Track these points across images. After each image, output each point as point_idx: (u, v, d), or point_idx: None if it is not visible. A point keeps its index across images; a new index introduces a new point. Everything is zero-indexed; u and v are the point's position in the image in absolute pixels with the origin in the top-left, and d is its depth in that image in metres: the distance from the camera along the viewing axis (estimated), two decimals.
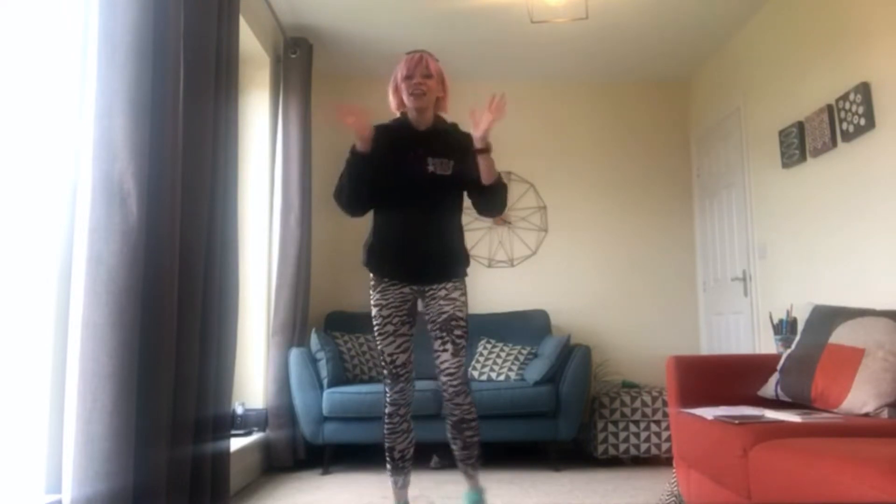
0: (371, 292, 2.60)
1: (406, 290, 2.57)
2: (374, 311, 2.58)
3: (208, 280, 2.44)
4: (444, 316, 2.53)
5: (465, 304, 2.58)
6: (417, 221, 2.55)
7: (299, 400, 3.92)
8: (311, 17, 4.26)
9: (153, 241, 1.99)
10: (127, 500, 1.82)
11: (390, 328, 2.55)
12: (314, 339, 4.07)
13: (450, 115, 2.67)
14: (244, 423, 3.77)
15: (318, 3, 4.10)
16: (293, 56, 4.31)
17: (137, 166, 1.91)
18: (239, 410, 3.77)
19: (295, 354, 3.98)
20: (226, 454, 2.66)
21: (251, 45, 3.94)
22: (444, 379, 2.53)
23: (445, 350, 2.52)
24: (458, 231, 2.67)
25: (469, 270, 2.68)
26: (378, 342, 2.58)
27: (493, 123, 2.41)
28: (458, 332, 2.53)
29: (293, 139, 4.24)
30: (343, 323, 4.56)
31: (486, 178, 2.49)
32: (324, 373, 3.95)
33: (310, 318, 4.38)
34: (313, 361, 3.99)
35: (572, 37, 4.47)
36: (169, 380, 2.09)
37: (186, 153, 2.25)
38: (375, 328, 2.57)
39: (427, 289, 2.58)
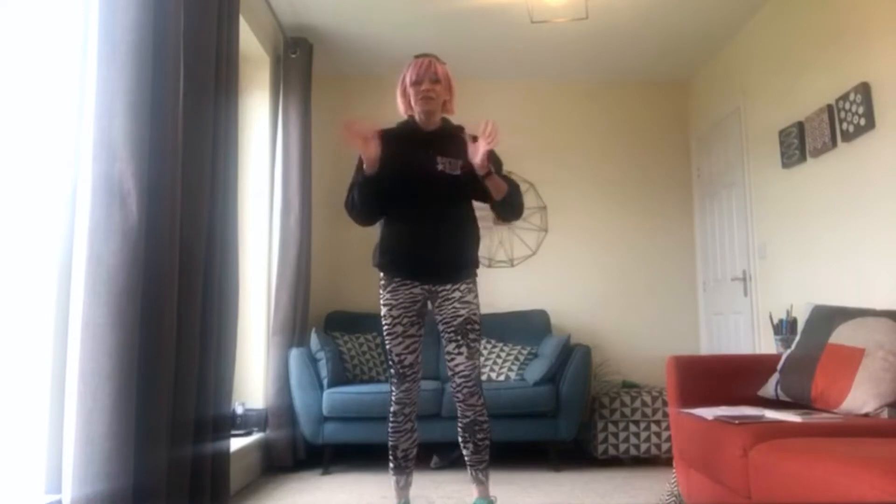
0: (381, 292, 2.59)
1: (417, 290, 2.56)
2: (383, 311, 2.57)
3: (208, 280, 2.44)
4: (460, 319, 2.54)
5: (478, 305, 2.60)
6: (430, 221, 2.55)
7: (299, 400, 3.92)
8: (311, 17, 4.26)
9: (153, 241, 1.98)
10: (127, 501, 1.82)
11: (399, 328, 2.55)
12: (314, 339, 4.06)
13: (454, 116, 2.70)
14: (244, 423, 3.77)
15: (318, 3, 4.10)
16: (293, 56, 4.31)
17: (137, 166, 1.91)
18: (239, 410, 3.77)
19: (295, 354, 3.98)
20: (226, 454, 2.66)
21: (251, 45, 3.94)
22: (458, 381, 2.54)
23: (461, 353, 2.53)
24: (471, 232, 2.66)
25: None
26: (387, 342, 2.58)
27: (489, 149, 2.42)
28: (472, 335, 2.55)
29: (293, 139, 4.24)
30: (343, 323, 4.56)
31: (497, 196, 2.53)
32: (324, 373, 3.95)
33: (310, 318, 4.38)
34: (313, 361, 3.99)
35: (572, 37, 4.47)
36: (169, 380, 2.08)
37: (186, 153, 2.25)
38: (384, 328, 2.57)
39: (440, 289, 2.57)
